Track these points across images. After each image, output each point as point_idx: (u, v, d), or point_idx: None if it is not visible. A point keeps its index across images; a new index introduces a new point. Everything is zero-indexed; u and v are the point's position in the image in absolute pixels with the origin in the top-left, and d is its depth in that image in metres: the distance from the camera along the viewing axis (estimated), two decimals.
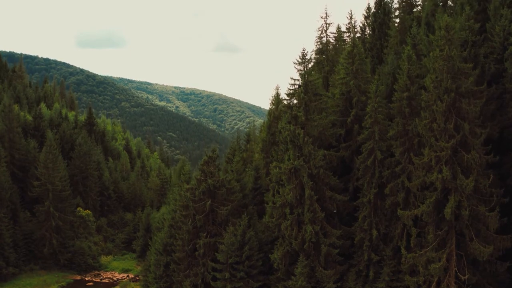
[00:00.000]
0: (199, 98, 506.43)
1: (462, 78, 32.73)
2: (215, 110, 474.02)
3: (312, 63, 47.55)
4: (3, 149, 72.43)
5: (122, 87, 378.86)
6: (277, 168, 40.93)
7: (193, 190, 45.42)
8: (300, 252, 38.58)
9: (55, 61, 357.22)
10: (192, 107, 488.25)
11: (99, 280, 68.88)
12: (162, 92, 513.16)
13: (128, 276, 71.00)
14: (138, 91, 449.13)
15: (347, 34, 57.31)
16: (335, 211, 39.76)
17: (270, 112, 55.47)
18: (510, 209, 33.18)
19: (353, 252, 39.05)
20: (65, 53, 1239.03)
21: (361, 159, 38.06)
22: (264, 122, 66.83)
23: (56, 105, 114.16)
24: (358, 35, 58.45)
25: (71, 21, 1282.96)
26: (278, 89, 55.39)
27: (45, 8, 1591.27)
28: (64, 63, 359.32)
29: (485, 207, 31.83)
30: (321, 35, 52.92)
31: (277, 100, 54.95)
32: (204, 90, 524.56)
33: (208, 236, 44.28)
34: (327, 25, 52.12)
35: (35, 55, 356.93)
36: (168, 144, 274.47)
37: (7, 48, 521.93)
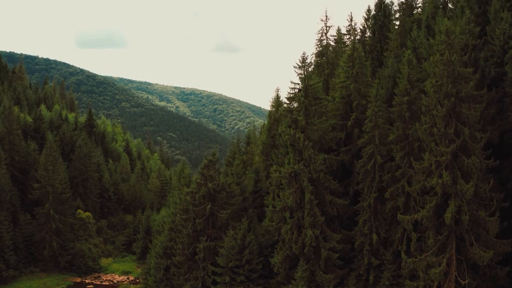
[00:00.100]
0: (199, 98, 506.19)
1: (462, 83, 32.71)
2: (215, 110, 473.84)
3: (312, 66, 47.56)
4: (3, 151, 72.31)
5: (122, 87, 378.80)
6: (277, 172, 40.94)
7: (193, 193, 45.49)
8: (300, 256, 38.58)
9: (55, 61, 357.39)
10: (192, 107, 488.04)
11: (99, 283, 68.74)
12: (162, 92, 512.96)
13: (128, 278, 70.92)
14: (138, 91, 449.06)
15: (347, 36, 57.36)
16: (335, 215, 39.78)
17: (270, 114, 55.52)
18: (510, 213, 33.19)
19: (353, 256, 39.05)
20: (65, 53, 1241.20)
21: (361, 163, 38.04)
22: (264, 124, 66.80)
23: (56, 106, 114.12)
24: (358, 37, 58.49)
25: (71, 21, 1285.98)
26: (278, 91, 55.72)
27: (45, 8, 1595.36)
28: (64, 63, 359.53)
29: (485, 212, 31.86)
30: (321, 38, 52.92)
31: (277, 102, 55.01)
32: (204, 90, 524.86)
33: (208, 239, 44.32)
34: (327, 28, 52.15)
35: (35, 55, 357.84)
36: (168, 145, 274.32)
37: (7, 48, 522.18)
